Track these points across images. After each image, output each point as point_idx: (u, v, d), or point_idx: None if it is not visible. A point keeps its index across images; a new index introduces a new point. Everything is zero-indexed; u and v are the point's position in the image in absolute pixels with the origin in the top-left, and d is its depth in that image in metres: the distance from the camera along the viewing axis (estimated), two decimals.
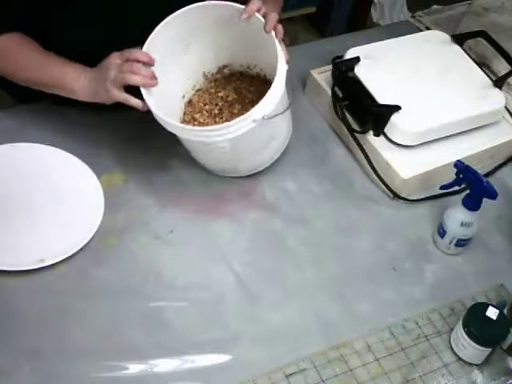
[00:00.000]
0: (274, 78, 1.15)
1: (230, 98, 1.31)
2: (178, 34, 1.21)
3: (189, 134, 1.17)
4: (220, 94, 1.32)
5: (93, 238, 1.16)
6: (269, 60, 1.18)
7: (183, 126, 1.23)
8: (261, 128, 1.15)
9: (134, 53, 1.14)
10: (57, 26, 1.22)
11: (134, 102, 1.15)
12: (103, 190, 1.22)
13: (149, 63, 1.15)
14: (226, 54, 1.30)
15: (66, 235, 1.16)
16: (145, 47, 1.16)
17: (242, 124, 1.13)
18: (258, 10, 1.16)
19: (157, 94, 1.17)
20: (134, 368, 1.05)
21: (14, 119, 1.32)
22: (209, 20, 1.21)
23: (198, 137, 1.16)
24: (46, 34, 1.22)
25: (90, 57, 1.18)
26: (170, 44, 1.21)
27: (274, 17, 1.16)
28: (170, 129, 1.16)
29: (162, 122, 1.16)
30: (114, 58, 1.14)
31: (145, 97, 1.15)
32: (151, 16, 1.16)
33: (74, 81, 1.19)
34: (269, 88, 1.15)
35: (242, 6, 1.16)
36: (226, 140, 1.14)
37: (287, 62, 1.17)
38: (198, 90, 1.32)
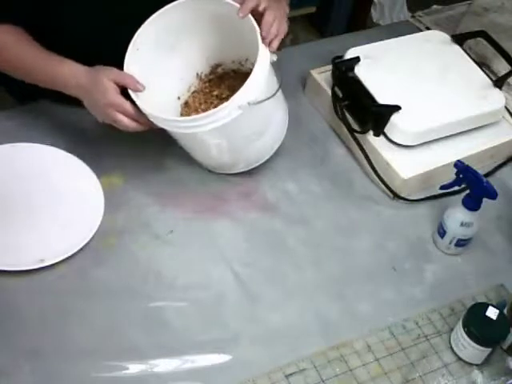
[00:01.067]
0: None
1: (224, 96, 1.31)
2: (167, 29, 1.20)
3: (177, 125, 1.16)
4: (215, 93, 1.32)
5: (93, 237, 1.16)
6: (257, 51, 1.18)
7: (174, 118, 1.21)
8: (251, 114, 1.14)
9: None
10: (56, 18, 1.21)
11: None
12: (103, 190, 1.22)
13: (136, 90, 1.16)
14: (215, 51, 1.30)
15: (66, 235, 1.16)
16: (132, 42, 1.17)
17: (228, 110, 1.13)
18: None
19: (150, 94, 1.16)
20: (134, 368, 1.05)
21: (14, 119, 1.32)
22: (198, 15, 1.22)
23: (186, 128, 1.15)
24: (45, 26, 1.22)
25: (89, 48, 1.18)
26: (159, 39, 1.20)
27: (249, 2, 1.15)
28: (156, 122, 1.15)
29: (149, 117, 1.15)
30: (105, 103, 1.15)
31: (133, 97, 1.15)
32: (151, 7, 1.17)
33: (68, 79, 1.19)
34: None
35: (231, 2, 1.16)
36: (214, 130, 1.14)
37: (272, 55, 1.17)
38: (193, 92, 1.32)
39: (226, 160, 1.28)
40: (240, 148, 1.25)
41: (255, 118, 1.19)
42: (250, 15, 1.16)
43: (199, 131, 1.15)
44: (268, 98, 1.16)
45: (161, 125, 1.16)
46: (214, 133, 1.15)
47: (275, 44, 1.17)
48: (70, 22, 1.22)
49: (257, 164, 1.29)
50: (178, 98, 1.31)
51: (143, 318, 1.11)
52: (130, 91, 1.15)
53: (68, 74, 1.18)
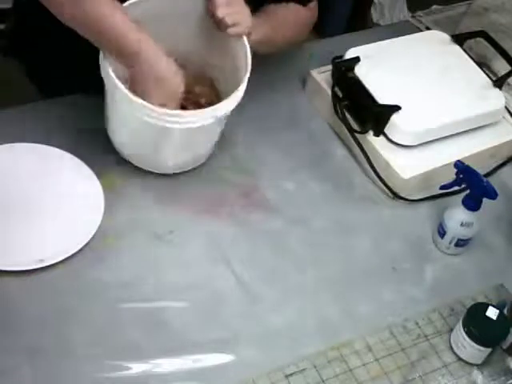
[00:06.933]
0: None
1: None
2: (143, 15, 1.18)
3: (145, 112, 1.13)
4: None
5: (93, 237, 1.16)
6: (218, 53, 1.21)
7: (150, 106, 1.15)
8: (212, 126, 1.17)
9: None
10: None
11: None
12: (103, 190, 1.22)
13: None
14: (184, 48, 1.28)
15: (66, 235, 1.16)
16: None
17: (201, 117, 1.15)
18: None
19: None
20: (134, 368, 1.05)
21: (14, 119, 1.32)
22: (171, 7, 1.22)
23: (150, 117, 1.13)
24: None
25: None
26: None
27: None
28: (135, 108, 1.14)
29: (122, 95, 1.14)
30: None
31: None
32: None
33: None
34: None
35: None
36: (180, 129, 1.15)
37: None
38: None
39: (159, 158, 1.26)
40: (179, 151, 1.25)
41: (211, 129, 1.21)
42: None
43: (161, 125, 1.14)
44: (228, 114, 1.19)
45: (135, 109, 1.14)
46: (173, 132, 1.16)
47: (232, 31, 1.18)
48: None
49: (187, 168, 1.28)
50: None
51: (143, 317, 1.11)
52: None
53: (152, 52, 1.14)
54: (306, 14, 1.38)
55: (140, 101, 1.13)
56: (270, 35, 1.29)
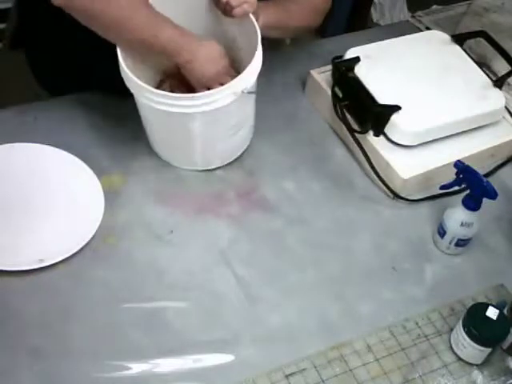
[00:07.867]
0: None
1: None
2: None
3: (166, 102, 1.14)
4: None
5: (93, 238, 1.16)
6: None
7: (164, 92, 1.17)
8: (239, 103, 1.16)
9: None
10: None
11: None
12: (103, 190, 1.22)
13: None
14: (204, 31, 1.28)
15: (66, 235, 1.16)
16: None
17: (223, 95, 1.14)
18: None
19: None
20: (135, 368, 1.05)
21: (14, 119, 1.32)
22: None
23: (172, 107, 1.13)
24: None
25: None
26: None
27: None
28: (143, 94, 1.15)
29: (139, 88, 1.14)
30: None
31: (124, 67, 1.15)
32: None
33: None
34: None
35: None
36: (201, 113, 1.14)
37: None
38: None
39: (197, 152, 1.27)
40: (216, 141, 1.25)
41: (239, 110, 1.19)
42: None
43: (187, 112, 1.14)
44: (254, 92, 1.18)
45: (148, 100, 1.15)
46: (199, 117, 1.16)
47: (238, 11, 1.18)
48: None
49: (219, 164, 1.30)
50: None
51: (143, 317, 1.11)
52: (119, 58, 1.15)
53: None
54: (320, 0, 1.38)
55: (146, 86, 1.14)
56: (284, 19, 1.30)
